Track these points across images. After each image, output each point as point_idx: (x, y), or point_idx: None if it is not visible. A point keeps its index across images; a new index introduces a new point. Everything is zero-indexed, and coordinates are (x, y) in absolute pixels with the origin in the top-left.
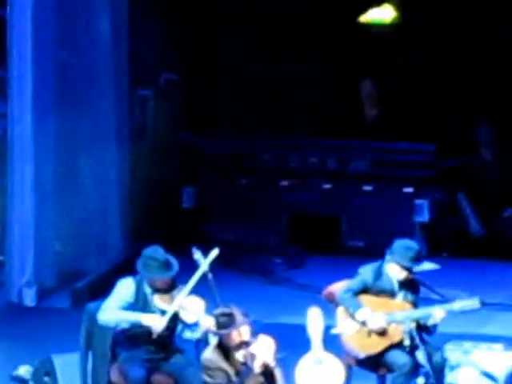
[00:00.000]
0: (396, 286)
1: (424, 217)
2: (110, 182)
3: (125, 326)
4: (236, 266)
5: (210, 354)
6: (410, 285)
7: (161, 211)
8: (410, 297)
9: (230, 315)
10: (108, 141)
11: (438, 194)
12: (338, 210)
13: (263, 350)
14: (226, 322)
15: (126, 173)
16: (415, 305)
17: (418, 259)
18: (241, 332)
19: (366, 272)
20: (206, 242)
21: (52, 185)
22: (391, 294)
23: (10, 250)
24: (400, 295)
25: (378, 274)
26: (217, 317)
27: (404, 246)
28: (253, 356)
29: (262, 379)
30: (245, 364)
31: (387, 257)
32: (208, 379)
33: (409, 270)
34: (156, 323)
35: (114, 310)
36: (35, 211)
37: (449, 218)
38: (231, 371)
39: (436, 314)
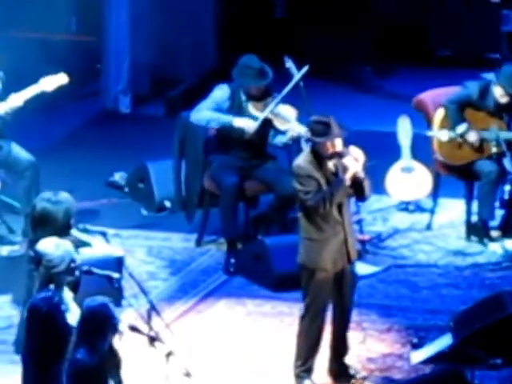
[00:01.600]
0: (497, 107)
1: (510, 26)
2: None
3: (214, 126)
4: (327, 74)
5: (302, 162)
6: (510, 108)
7: (254, 21)
8: (506, 118)
9: (327, 124)
10: None
11: None
12: (427, 19)
13: (354, 163)
14: (321, 130)
15: None
16: (509, 127)
17: None
18: (335, 143)
19: (472, 87)
20: (298, 51)
21: None
22: (491, 113)
23: (107, 58)
24: (499, 115)
25: (484, 92)
26: (313, 124)
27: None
28: (344, 167)
29: (351, 190)
30: (335, 174)
31: (494, 78)
32: (299, 186)
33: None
34: (248, 124)
35: (208, 110)
36: (130, 22)
37: None
38: (322, 180)
39: None
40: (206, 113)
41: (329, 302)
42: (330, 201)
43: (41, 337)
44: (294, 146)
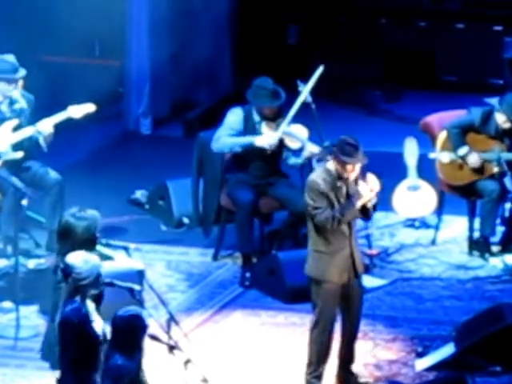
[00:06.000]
0: (499, 132)
1: None
2: (222, 19)
3: (238, 150)
4: (337, 99)
5: (316, 178)
6: (511, 132)
7: (268, 47)
8: (508, 141)
9: (356, 148)
10: None
11: None
12: (433, 46)
13: (368, 191)
14: (349, 151)
15: (236, 12)
16: (510, 149)
17: None
18: (355, 167)
19: (476, 113)
20: (310, 76)
21: (167, 22)
22: (491, 136)
23: (128, 82)
24: (500, 138)
25: (487, 118)
26: (343, 143)
27: None
28: (359, 194)
29: (358, 214)
30: (347, 195)
31: (497, 105)
32: (310, 201)
33: None
34: (269, 139)
35: (226, 137)
36: (151, 48)
37: None
38: (333, 198)
39: None
40: (226, 140)
41: (337, 312)
42: (338, 221)
43: (74, 347)
44: (307, 165)
